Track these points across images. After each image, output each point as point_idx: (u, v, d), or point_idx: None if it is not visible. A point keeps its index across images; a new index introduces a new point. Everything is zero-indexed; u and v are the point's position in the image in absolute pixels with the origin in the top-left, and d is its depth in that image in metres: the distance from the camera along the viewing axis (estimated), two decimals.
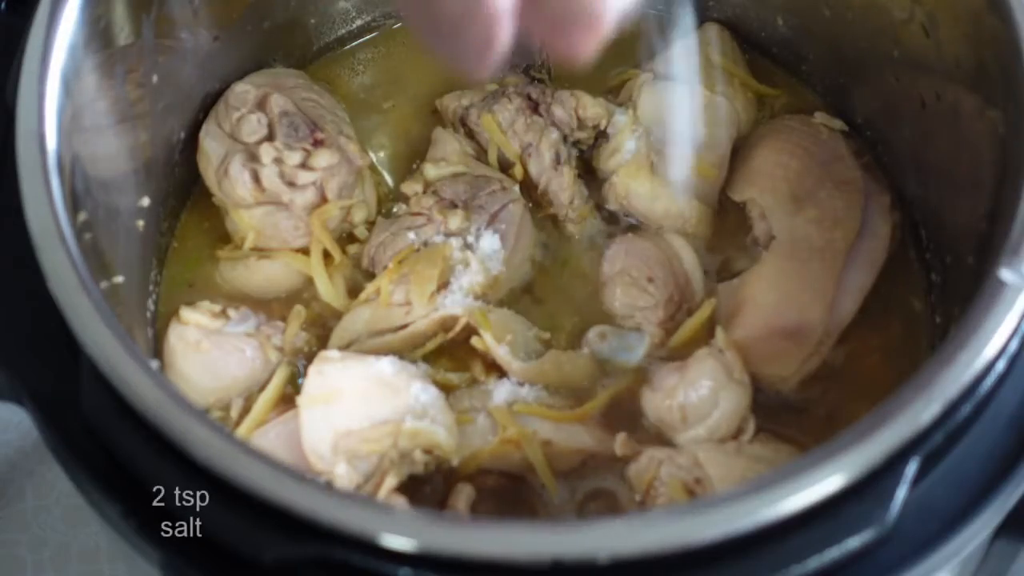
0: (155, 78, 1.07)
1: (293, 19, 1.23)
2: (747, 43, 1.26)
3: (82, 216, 0.91)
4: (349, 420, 0.98)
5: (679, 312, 1.09)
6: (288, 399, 1.03)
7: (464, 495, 0.98)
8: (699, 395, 1.01)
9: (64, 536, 1.24)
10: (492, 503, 1.00)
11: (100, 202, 0.97)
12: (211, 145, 1.13)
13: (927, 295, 1.12)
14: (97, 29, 0.96)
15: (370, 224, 1.14)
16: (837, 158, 1.15)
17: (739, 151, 1.18)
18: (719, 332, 1.04)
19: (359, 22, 1.28)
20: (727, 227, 1.15)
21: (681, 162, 1.14)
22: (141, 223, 1.07)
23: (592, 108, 1.15)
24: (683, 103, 1.17)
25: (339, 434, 0.97)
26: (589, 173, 1.17)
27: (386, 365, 1.02)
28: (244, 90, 1.15)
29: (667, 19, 1.24)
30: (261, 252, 1.12)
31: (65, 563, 1.23)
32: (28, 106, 0.90)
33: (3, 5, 1.00)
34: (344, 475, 0.96)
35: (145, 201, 1.07)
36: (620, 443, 1.01)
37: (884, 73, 1.14)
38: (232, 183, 1.11)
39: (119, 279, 0.98)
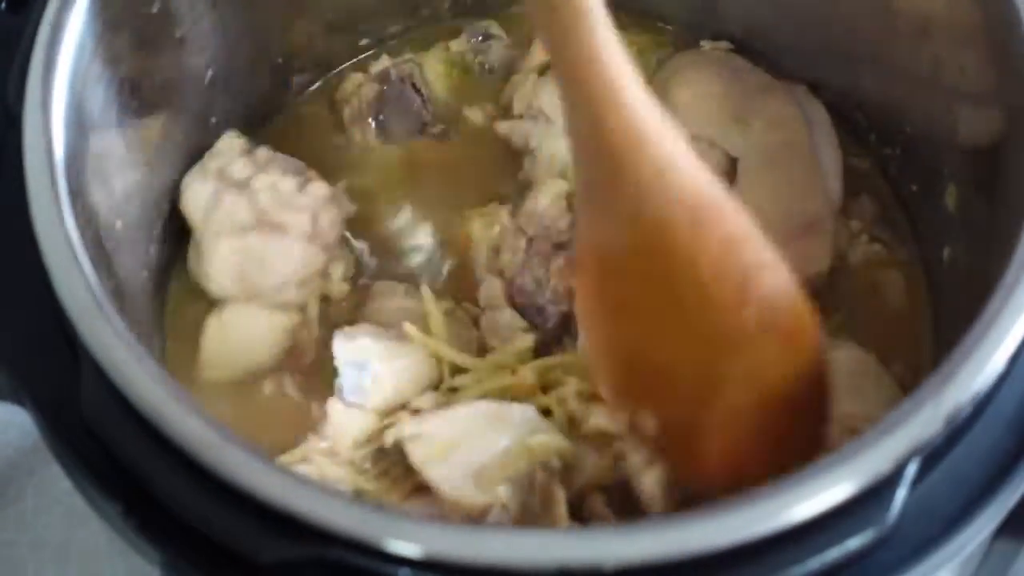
0: (161, 79, 1.08)
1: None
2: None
3: (86, 215, 0.91)
4: (477, 458, 0.98)
5: None
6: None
7: (599, 501, 0.98)
8: None
9: (64, 536, 1.24)
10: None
11: (104, 201, 0.97)
12: (197, 188, 1.11)
13: (882, 167, 1.16)
14: (102, 30, 0.97)
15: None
16: (746, 71, 1.20)
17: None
18: None
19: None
20: None
21: None
22: (147, 222, 1.08)
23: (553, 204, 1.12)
24: None
25: (475, 473, 0.97)
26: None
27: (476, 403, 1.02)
28: (228, 144, 1.14)
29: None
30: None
31: (65, 563, 1.24)
32: (34, 104, 0.90)
33: (3, 5, 1.00)
34: (510, 494, 0.95)
35: (151, 202, 1.08)
36: None
37: None
38: (229, 207, 1.09)
39: (123, 278, 0.98)
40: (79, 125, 0.93)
